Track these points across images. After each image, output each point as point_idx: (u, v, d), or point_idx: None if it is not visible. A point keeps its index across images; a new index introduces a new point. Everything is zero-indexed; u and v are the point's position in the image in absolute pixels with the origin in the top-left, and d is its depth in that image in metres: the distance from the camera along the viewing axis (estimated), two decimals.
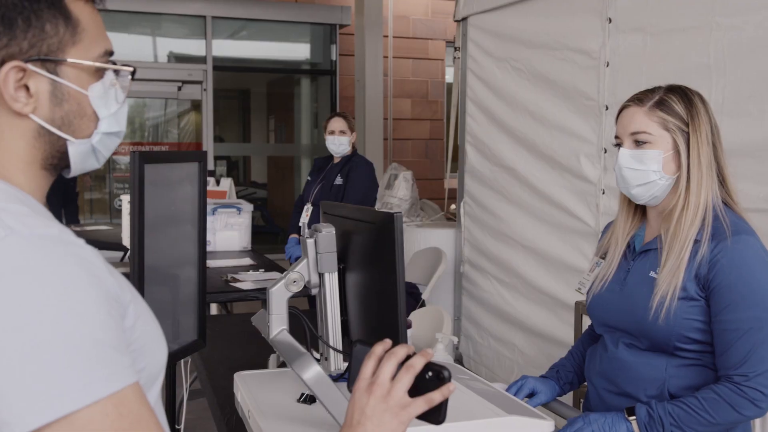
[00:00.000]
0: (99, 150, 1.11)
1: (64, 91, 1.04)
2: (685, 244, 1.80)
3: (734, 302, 1.74)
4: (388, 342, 1.17)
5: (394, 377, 1.12)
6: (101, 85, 1.08)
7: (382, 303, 1.47)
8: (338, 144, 4.85)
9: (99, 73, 1.08)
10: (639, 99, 1.90)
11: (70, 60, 1.03)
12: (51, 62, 1.02)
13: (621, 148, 1.91)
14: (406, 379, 1.11)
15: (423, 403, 1.10)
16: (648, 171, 1.86)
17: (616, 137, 1.93)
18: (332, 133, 4.86)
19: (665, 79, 3.26)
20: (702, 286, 1.79)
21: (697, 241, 1.80)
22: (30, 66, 1.01)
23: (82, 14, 1.05)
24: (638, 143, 1.87)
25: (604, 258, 2.03)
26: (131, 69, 1.12)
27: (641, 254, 1.94)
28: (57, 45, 1.02)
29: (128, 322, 0.98)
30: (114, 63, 1.10)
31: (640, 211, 2.02)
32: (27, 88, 1.01)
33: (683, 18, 3.26)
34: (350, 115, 5.09)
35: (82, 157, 1.09)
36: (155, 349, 1.06)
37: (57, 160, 1.07)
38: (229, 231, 5.22)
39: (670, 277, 1.80)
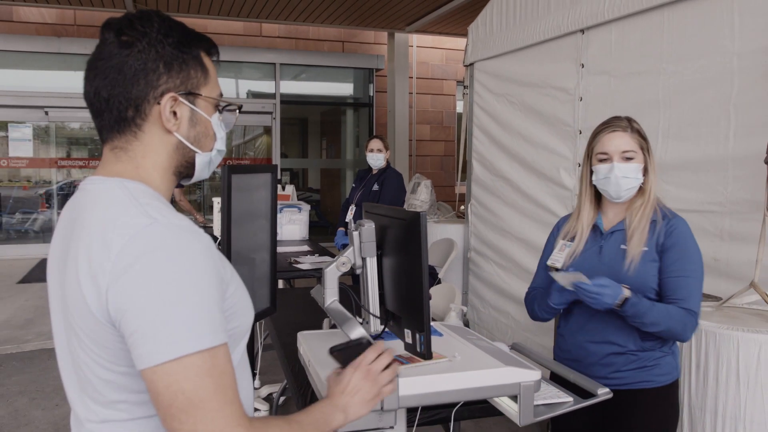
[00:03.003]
0: (214, 162, 1.17)
1: (197, 117, 1.10)
2: (646, 225, 1.95)
3: (681, 257, 1.90)
4: (383, 343, 1.30)
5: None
6: (217, 116, 1.15)
7: (410, 280, 1.47)
8: (376, 159, 4.84)
9: (216, 107, 1.14)
10: (620, 125, 1.99)
11: (204, 95, 1.10)
12: (192, 96, 1.09)
13: (615, 163, 1.95)
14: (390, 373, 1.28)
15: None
16: (634, 178, 1.96)
17: (604, 154, 1.98)
18: (371, 150, 4.85)
19: (625, 110, 3.25)
20: (659, 251, 1.92)
21: (653, 221, 1.95)
22: (180, 97, 1.07)
23: (210, 66, 1.13)
24: (627, 159, 1.95)
25: (571, 240, 2.09)
26: (240, 105, 1.20)
27: (610, 234, 2.02)
28: (196, 84, 1.09)
29: (229, 292, 1.03)
30: (227, 101, 1.17)
31: (597, 205, 2.09)
32: (174, 113, 1.07)
33: (638, 64, 3.23)
34: (385, 137, 5.07)
35: (203, 167, 1.15)
36: (245, 312, 1.10)
37: (184, 168, 1.13)
38: (292, 225, 5.25)
39: (635, 246, 1.93)
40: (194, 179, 1.17)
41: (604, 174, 1.97)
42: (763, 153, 2.40)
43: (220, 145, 1.16)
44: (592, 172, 2.04)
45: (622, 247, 1.97)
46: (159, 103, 1.06)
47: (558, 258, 2.10)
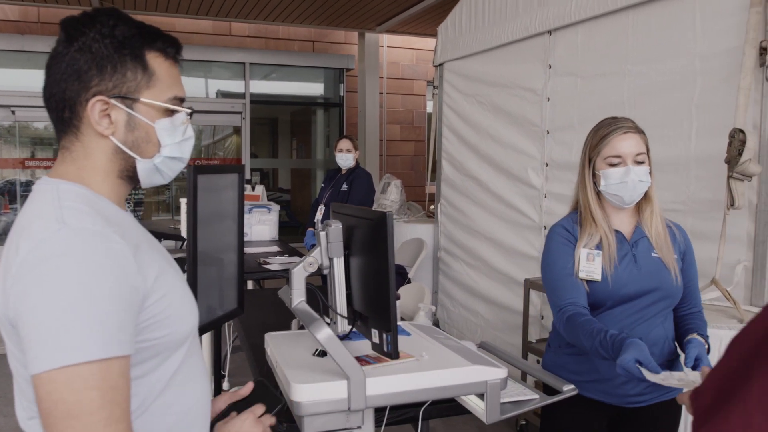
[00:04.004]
0: (162, 170, 1.12)
1: (136, 121, 1.06)
2: (667, 232, 1.93)
3: (692, 264, 1.95)
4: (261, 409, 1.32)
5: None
6: (169, 121, 1.09)
7: (377, 280, 1.47)
8: (345, 159, 4.82)
9: (168, 111, 1.09)
10: (631, 127, 1.88)
11: (142, 99, 1.05)
12: (129, 99, 1.04)
13: (631, 166, 1.84)
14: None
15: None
16: (647, 182, 1.88)
17: (617, 157, 1.85)
18: (341, 151, 4.82)
19: (592, 111, 3.29)
20: (681, 258, 1.94)
21: (669, 227, 1.94)
22: (112, 101, 1.03)
23: (159, 67, 1.07)
24: (639, 162, 1.86)
25: (597, 249, 1.89)
26: (189, 111, 1.13)
27: (635, 242, 1.91)
28: (135, 87, 1.05)
29: (150, 300, 0.99)
30: (180, 107, 1.11)
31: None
32: (110, 116, 1.04)
33: (604, 66, 3.27)
34: (354, 137, 5.05)
35: (147, 173, 1.10)
36: (180, 320, 1.06)
37: (131, 173, 1.09)
38: (262, 225, 5.20)
39: (669, 254, 1.90)
40: (144, 185, 1.13)
41: (619, 178, 1.85)
42: (724, 153, 2.45)
43: (170, 152, 1.10)
44: (594, 176, 1.91)
45: (653, 255, 1.89)
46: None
47: (592, 269, 1.90)
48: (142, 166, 1.09)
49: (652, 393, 1.89)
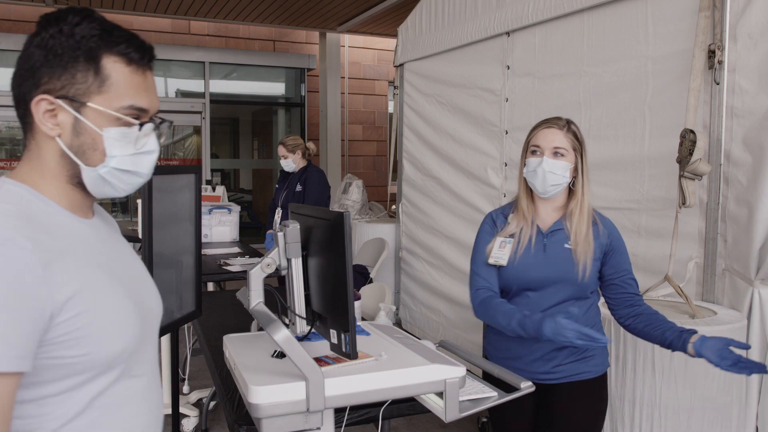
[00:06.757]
0: (111, 182, 1.04)
1: (83, 126, 1.00)
2: (588, 227, 1.99)
3: (625, 260, 2.02)
4: None
5: None
6: (120, 131, 1.02)
7: (336, 280, 1.47)
8: (287, 165, 4.76)
9: (121, 120, 1.02)
10: (557, 123, 2.01)
11: (90, 104, 1.00)
12: (76, 102, 0.99)
13: (544, 157, 1.98)
14: None
15: None
16: (561, 176, 1.99)
17: (537, 146, 2.01)
18: (281, 158, 4.79)
19: (549, 111, 3.33)
20: (603, 252, 2.00)
21: (595, 224, 2.00)
22: (58, 101, 0.99)
23: (117, 73, 1.01)
24: (557, 155, 1.98)
25: (510, 237, 2.06)
26: (137, 123, 1.03)
27: (551, 233, 2.03)
28: (84, 90, 0.99)
29: (61, 318, 0.92)
30: (133, 119, 1.03)
31: (533, 202, 2.09)
32: (57, 117, 1.00)
33: (561, 67, 3.32)
34: (288, 141, 4.88)
35: (93, 182, 1.04)
36: (106, 340, 0.98)
37: (80, 180, 1.04)
38: (222, 226, 5.14)
39: (583, 250, 1.97)
40: (95, 195, 1.06)
41: (533, 167, 2.00)
42: (675, 153, 2.51)
43: (119, 163, 1.02)
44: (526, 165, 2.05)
45: (566, 246, 1.99)
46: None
47: (500, 255, 2.05)
48: (87, 174, 1.02)
49: (560, 372, 1.98)
